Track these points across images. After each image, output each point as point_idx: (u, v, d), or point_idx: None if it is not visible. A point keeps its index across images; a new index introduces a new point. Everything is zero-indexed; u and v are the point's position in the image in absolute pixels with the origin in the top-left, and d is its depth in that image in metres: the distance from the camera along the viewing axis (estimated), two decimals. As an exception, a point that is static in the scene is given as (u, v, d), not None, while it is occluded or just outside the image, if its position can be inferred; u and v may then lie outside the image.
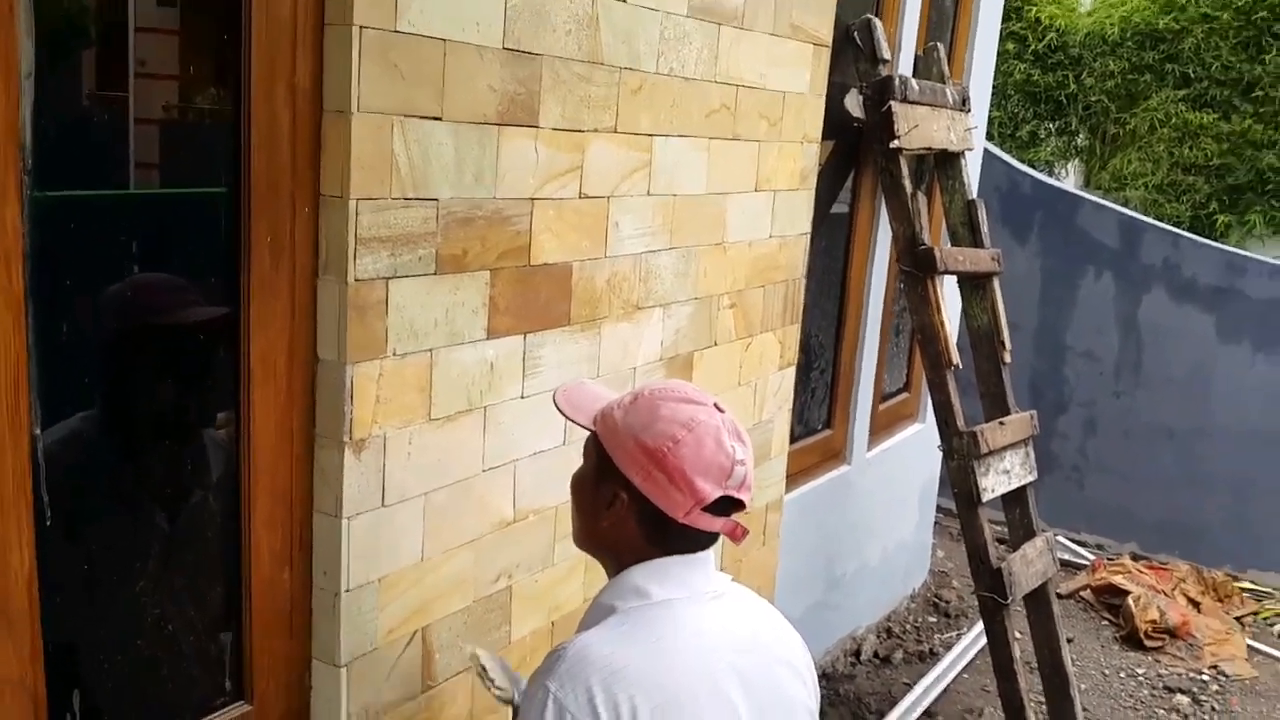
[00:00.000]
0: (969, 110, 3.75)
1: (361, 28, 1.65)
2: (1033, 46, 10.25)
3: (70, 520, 1.47)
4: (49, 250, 1.40)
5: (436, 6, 1.76)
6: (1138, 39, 9.60)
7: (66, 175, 1.44)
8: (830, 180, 3.66)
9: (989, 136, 10.36)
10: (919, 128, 3.35)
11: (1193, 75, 9.24)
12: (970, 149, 3.74)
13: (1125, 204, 9.61)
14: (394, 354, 1.78)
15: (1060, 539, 5.62)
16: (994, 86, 10.55)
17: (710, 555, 1.49)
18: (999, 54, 10.81)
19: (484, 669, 1.76)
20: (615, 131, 2.24)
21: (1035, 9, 10.16)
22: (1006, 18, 10.26)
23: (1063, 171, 10.60)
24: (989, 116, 10.52)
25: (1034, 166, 10.21)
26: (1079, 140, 10.43)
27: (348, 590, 1.76)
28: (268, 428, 1.68)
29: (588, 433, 1.51)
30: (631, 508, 1.43)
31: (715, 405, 1.45)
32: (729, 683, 1.41)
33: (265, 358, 1.66)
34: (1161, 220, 9.26)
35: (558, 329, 2.16)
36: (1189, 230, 8.85)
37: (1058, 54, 10.15)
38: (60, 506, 1.44)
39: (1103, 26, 9.84)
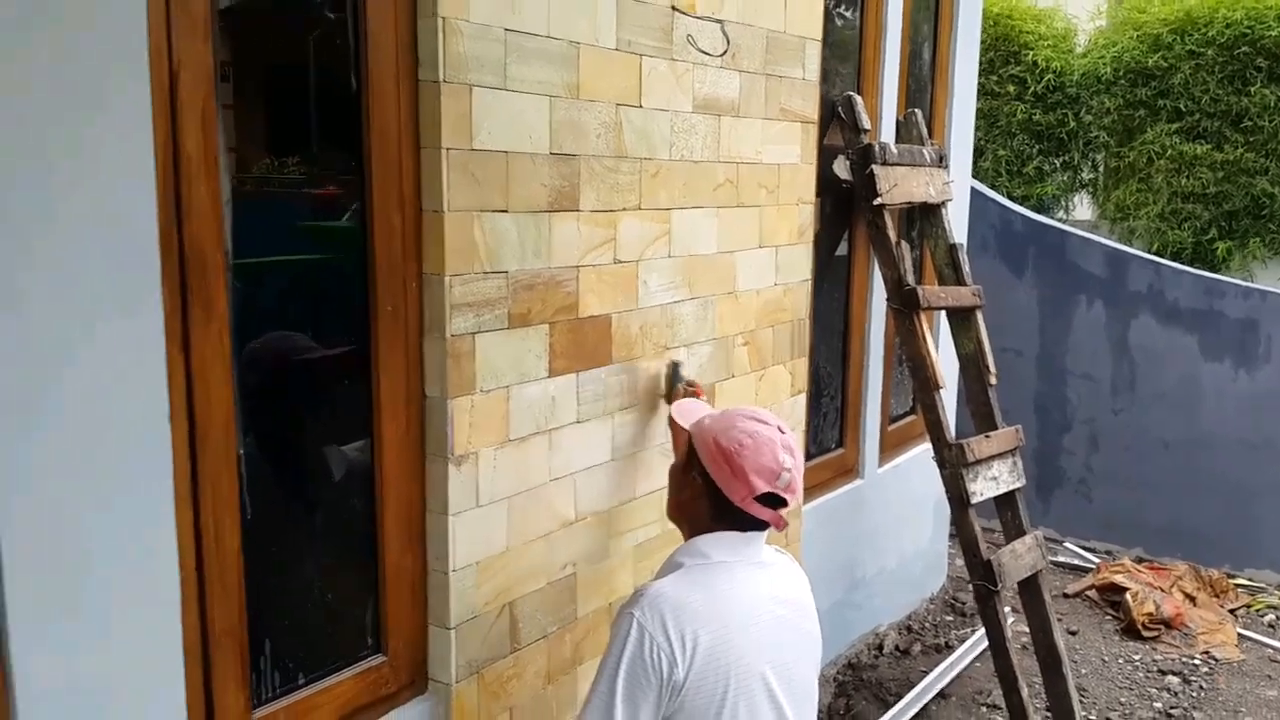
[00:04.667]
0: (946, 166, 4.31)
1: (447, 149, 2.25)
2: (1032, 88, 10.79)
3: (263, 515, 2.04)
4: (244, 307, 1.98)
5: (500, 128, 2.36)
6: (1130, 77, 10.13)
7: (256, 248, 2.03)
8: (830, 230, 4.22)
9: (996, 174, 10.92)
10: (899, 186, 3.91)
11: (1184, 109, 9.75)
12: (950, 200, 4.29)
13: (1130, 233, 10.10)
14: (481, 390, 2.35)
15: (1069, 545, 6.07)
16: (999, 126, 11.16)
17: (761, 536, 2.08)
18: (1000, 96, 11.42)
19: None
20: (640, 209, 2.82)
21: (1033, 53, 10.70)
22: (1005, 62, 10.87)
23: (1071, 204, 11.10)
24: (996, 155, 11.10)
25: (1041, 201, 10.73)
26: (1083, 174, 10.95)
27: (454, 570, 2.32)
28: (394, 447, 2.26)
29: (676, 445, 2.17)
30: (704, 489, 2.04)
31: (779, 428, 2.05)
32: (769, 625, 1.98)
33: (390, 395, 2.24)
34: (1165, 247, 9.75)
35: (602, 367, 2.73)
36: (1192, 257, 9.34)
37: (1056, 94, 10.69)
38: (256, 505, 2.02)
39: (1096, 66, 10.39)
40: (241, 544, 1.99)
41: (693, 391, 2.88)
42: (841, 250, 4.40)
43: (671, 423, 2.71)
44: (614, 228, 2.73)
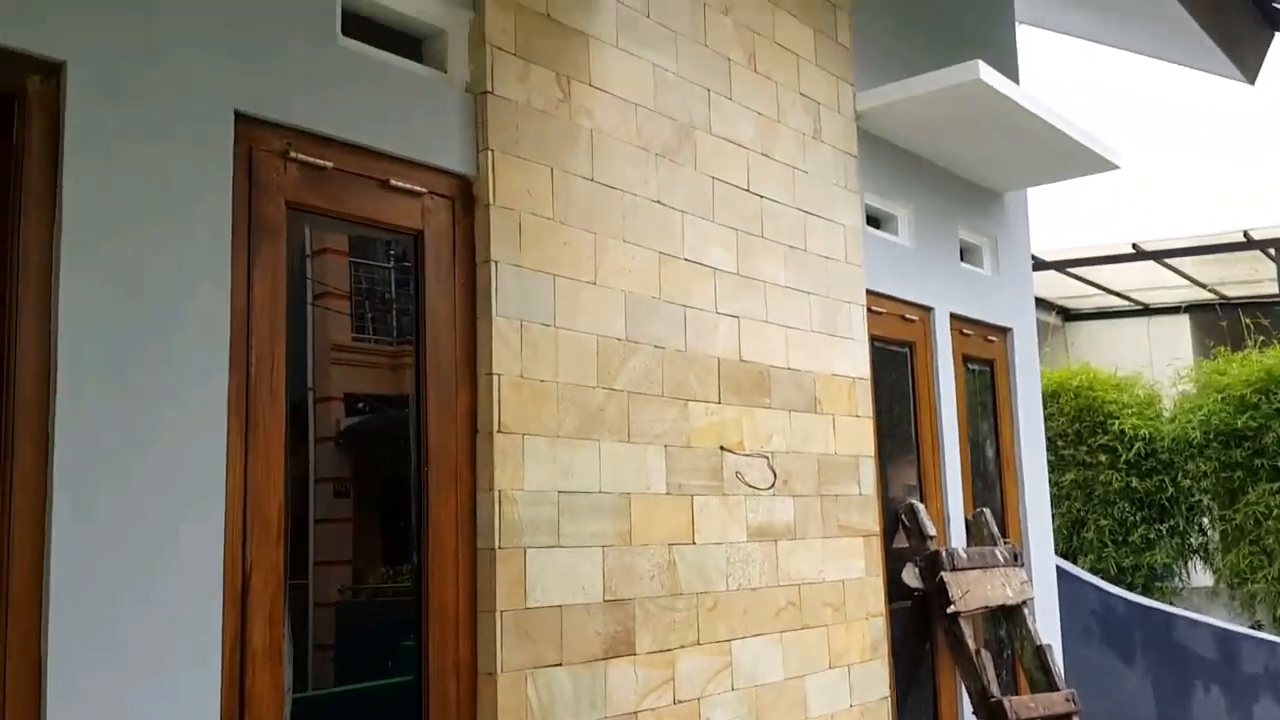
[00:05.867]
0: (1022, 564, 4.29)
1: (501, 612, 2.38)
2: (1124, 455, 10.75)
3: None
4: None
5: (553, 584, 2.50)
6: (1221, 439, 10.07)
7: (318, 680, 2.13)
8: (910, 638, 4.15)
9: (1101, 544, 10.64)
10: (971, 591, 3.89)
11: (1282, 467, 9.58)
12: (1030, 598, 4.23)
13: (1251, 599, 9.61)
14: None
15: None
16: (1097, 496, 11.02)
17: None
18: (1094, 465, 11.37)
19: None
20: (698, 644, 2.87)
21: (1119, 422, 10.75)
22: (1093, 432, 10.91)
23: (1185, 572, 10.66)
24: (1099, 524, 10.87)
25: (1152, 570, 10.35)
26: (1191, 539, 10.61)
27: None
28: None
29: None
30: None
31: None
32: None
33: None
34: (1294, 612, 9.19)
35: (665, 817, 2.66)
36: (1326, 618, 8.77)
37: (1150, 460, 10.61)
38: None
39: (1185, 431, 10.36)
40: None
41: None
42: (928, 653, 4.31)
43: None
44: (672, 667, 2.77)
